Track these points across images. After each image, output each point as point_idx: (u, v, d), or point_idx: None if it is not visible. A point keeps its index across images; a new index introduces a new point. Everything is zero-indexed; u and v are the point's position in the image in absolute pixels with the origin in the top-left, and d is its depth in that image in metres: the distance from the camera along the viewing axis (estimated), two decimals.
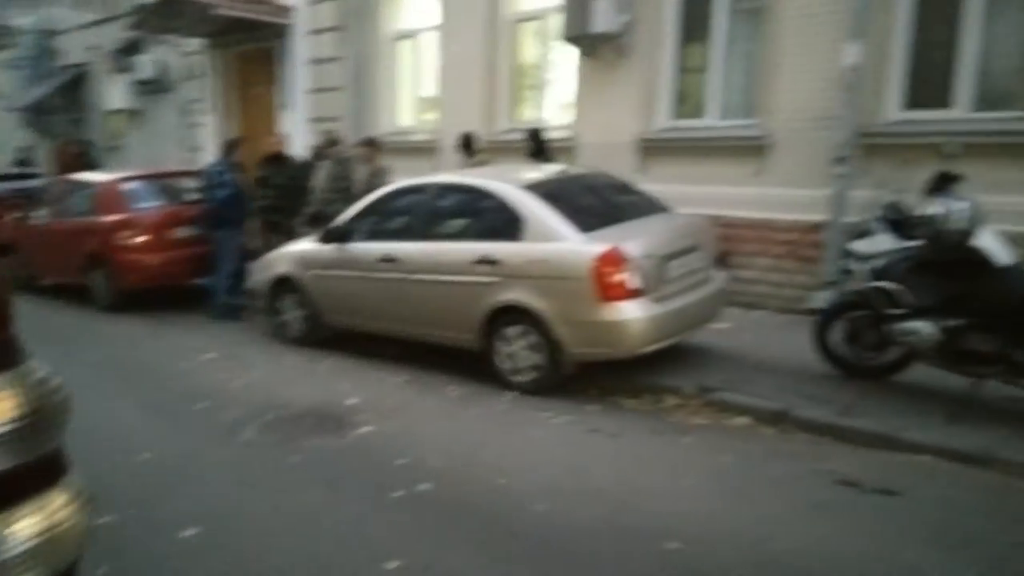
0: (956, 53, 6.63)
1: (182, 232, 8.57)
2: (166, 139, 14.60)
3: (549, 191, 5.87)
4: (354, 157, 8.98)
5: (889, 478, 4.11)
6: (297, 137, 11.12)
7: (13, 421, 1.66)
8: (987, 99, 6.58)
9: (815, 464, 4.33)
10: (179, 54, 13.88)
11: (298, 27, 11.96)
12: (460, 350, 6.24)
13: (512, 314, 5.62)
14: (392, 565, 3.39)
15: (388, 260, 6.29)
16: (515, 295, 5.56)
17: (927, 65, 6.88)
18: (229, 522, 3.85)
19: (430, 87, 10.86)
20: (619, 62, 8.54)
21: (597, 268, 5.20)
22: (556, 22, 8.99)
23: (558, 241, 5.48)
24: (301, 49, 11.95)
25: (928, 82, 6.88)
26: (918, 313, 4.83)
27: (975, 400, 4.66)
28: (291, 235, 8.89)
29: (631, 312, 5.22)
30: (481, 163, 8.64)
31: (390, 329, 6.65)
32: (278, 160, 9.08)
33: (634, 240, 5.40)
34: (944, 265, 4.77)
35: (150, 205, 8.80)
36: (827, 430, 4.71)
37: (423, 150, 10.53)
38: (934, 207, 4.76)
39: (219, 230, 8.32)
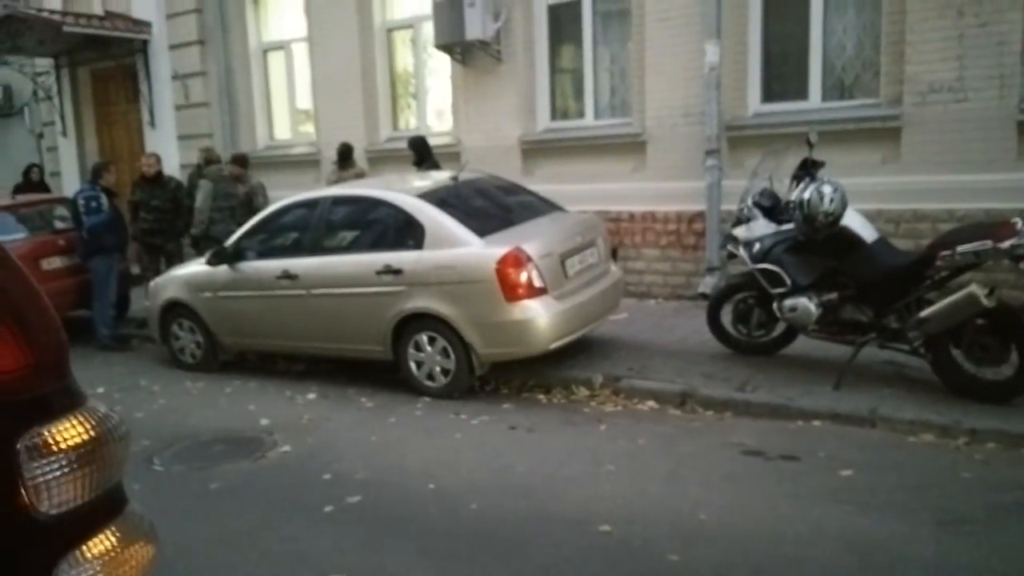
0: (806, 48, 7.21)
1: (52, 263, 8.05)
2: (20, 165, 13.62)
3: (444, 198, 5.96)
4: (231, 175, 8.74)
5: (789, 444, 4.46)
6: (167, 156, 10.65)
7: (86, 456, 1.68)
8: (836, 89, 7.21)
9: (721, 438, 4.65)
10: (25, 75, 12.96)
11: (158, 42, 11.46)
12: (368, 362, 6.24)
13: (420, 321, 5.67)
14: None
15: (287, 277, 6.18)
16: (422, 302, 5.61)
17: (782, 60, 7.44)
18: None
19: (307, 99, 10.68)
20: (495, 68, 8.72)
21: (500, 270, 5.34)
22: (428, 30, 9.07)
23: (459, 247, 5.58)
24: (163, 65, 11.46)
25: (784, 76, 7.45)
26: (797, 291, 5.24)
27: (855, 365, 5.11)
28: (175, 258, 8.60)
29: (536, 311, 5.39)
30: (358, 175, 8.60)
31: (293, 347, 6.55)
32: (154, 182, 8.71)
33: (532, 240, 5.57)
34: (817, 245, 5.20)
35: (11, 237, 8.20)
36: (728, 405, 5.05)
37: (304, 163, 10.36)
38: (804, 192, 5.17)
39: (94, 258, 7.89)
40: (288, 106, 11.01)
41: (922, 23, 6.46)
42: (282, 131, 11.15)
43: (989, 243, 4.46)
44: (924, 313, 4.70)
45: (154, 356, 7.50)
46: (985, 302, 4.43)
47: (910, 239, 6.33)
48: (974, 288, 4.48)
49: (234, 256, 6.57)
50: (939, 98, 6.48)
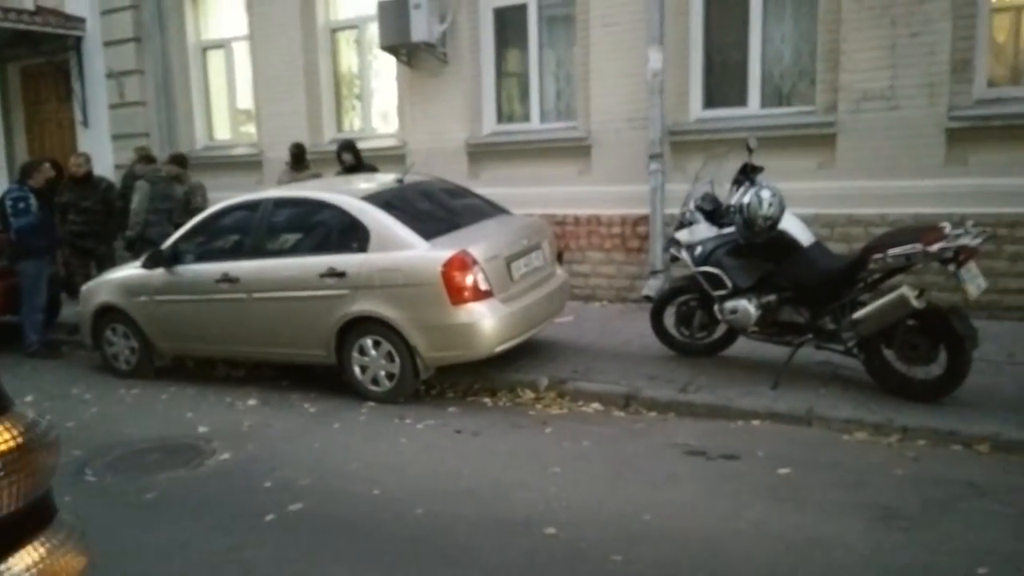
0: (746, 56, 7.37)
1: None
2: None
3: (389, 200, 5.90)
4: (169, 175, 8.50)
5: (729, 444, 4.54)
6: (101, 156, 10.35)
7: (13, 464, 1.61)
8: (775, 97, 7.38)
9: (665, 439, 4.70)
10: None
11: (92, 39, 11.12)
12: (311, 366, 6.15)
13: (364, 325, 5.61)
14: None
15: (227, 280, 6.04)
16: (366, 306, 5.55)
17: (722, 67, 7.59)
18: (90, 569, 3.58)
19: (248, 99, 10.47)
20: (441, 70, 8.70)
21: (446, 273, 5.31)
22: (373, 31, 9.00)
23: (404, 249, 5.53)
24: (98, 62, 11.12)
25: (724, 83, 7.60)
26: (738, 293, 5.35)
27: (793, 366, 5.24)
28: (106, 262, 8.34)
29: (482, 314, 5.37)
30: (313, 176, 8.49)
31: (233, 352, 6.41)
32: (84, 182, 8.43)
33: (478, 243, 5.56)
34: (757, 248, 5.31)
35: None
36: (671, 406, 5.12)
37: (246, 164, 10.16)
38: (743, 196, 5.28)
39: (23, 261, 7.58)
40: (228, 106, 10.80)
41: (856, 33, 6.66)
42: (222, 131, 10.93)
43: (919, 247, 4.61)
44: (857, 315, 4.84)
45: (86, 363, 7.26)
46: (915, 304, 4.58)
47: (844, 243, 6.52)
48: (905, 290, 4.63)
49: (171, 259, 6.40)
50: (872, 106, 6.69)
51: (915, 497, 3.78)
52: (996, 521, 3.52)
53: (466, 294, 5.33)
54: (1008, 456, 4.16)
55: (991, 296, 5.46)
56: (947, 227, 4.64)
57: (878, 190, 6.66)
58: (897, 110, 6.59)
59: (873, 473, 4.07)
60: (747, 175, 5.47)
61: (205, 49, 10.83)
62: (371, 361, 5.67)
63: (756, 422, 4.84)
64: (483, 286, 5.40)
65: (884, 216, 6.61)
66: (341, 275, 5.60)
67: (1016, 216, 6.21)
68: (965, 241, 4.52)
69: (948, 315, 4.64)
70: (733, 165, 5.62)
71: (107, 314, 6.77)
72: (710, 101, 7.64)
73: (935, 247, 4.56)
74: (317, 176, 8.36)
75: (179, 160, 8.89)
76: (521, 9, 8.39)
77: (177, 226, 7.04)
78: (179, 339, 6.55)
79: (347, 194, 5.99)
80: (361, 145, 8.63)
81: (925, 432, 4.42)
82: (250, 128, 10.53)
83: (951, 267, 4.57)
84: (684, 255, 5.71)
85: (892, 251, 4.71)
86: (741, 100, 7.45)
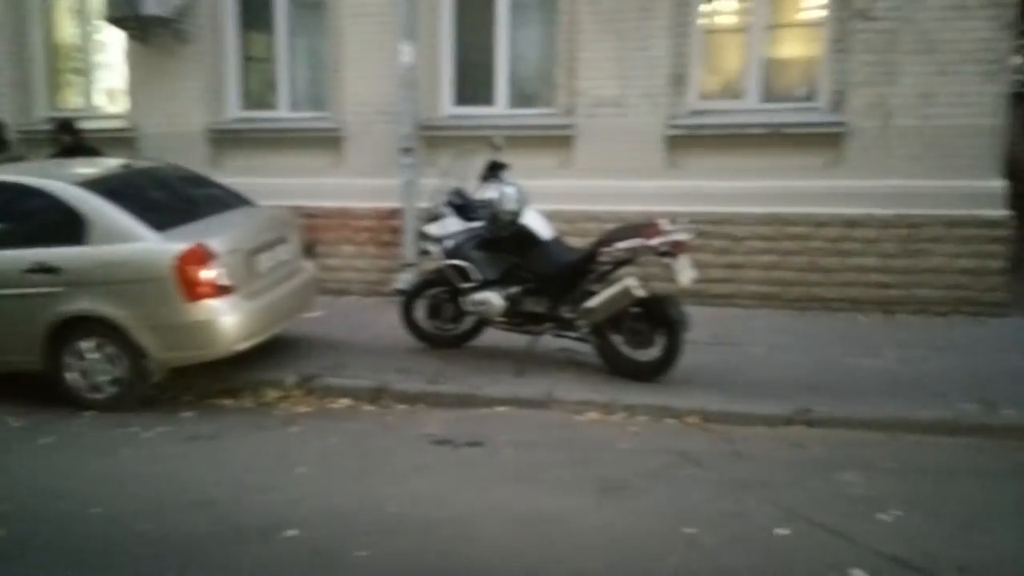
0: (494, 58, 7.63)
1: None
2: None
3: (114, 188, 5.37)
4: None
5: (474, 431, 4.68)
6: None
7: None
8: (521, 98, 7.71)
9: (413, 430, 4.74)
10: None
11: None
12: (16, 374, 5.41)
13: (83, 325, 5.06)
14: None
15: None
16: (84, 304, 5.01)
17: (473, 67, 7.78)
18: None
19: None
20: (178, 48, 8.06)
21: (179, 267, 4.94)
22: (99, 1, 8.14)
23: (131, 242, 5.06)
24: None
25: (475, 82, 7.79)
26: (485, 285, 5.53)
27: (536, 353, 5.52)
28: None
29: (220, 311, 5.07)
30: (15, 158, 7.47)
31: None
32: None
33: (218, 236, 5.23)
34: (502, 242, 5.52)
35: None
36: (420, 398, 5.17)
37: None
38: (489, 192, 5.47)
39: None
40: None
41: (592, 43, 7.14)
42: None
43: (640, 241, 5.06)
44: (589, 304, 5.21)
45: None
46: (637, 293, 5.03)
47: (582, 237, 6.94)
48: (629, 281, 5.07)
49: None
50: (605, 112, 7.21)
51: (636, 468, 4.14)
52: (703, 486, 3.95)
53: (202, 290, 4.98)
54: (712, 427, 4.70)
55: (701, 285, 6.10)
56: (664, 223, 5.13)
57: (610, 189, 7.21)
58: (626, 117, 7.17)
59: (601, 449, 4.40)
60: (494, 172, 5.67)
61: None
62: (90, 366, 5.12)
63: (500, 408, 5.03)
64: (221, 281, 5.08)
65: (616, 213, 7.13)
66: (53, 271, 4.99)
67: (722, 215, 7.03)
68: (678, 236, 5.03)
69: (664, 303, 5.13)
70: (482, 161, 5.79)
71: None
72: (461, 98, 7.80)
73: (654, 241, 5.03)
74: (21, 159, 7.38)
75: None
76: None
77: None
78: None
79: (61, 179, 5.35)
80: (84, 125, 7.77)
81: (645, 409, 4.87)
82: None
83: (666, 259, 5.06)
84: (434, 248, 5.79)
85: (619, 245, 5.13)
86: (489, 99, 7.69)
